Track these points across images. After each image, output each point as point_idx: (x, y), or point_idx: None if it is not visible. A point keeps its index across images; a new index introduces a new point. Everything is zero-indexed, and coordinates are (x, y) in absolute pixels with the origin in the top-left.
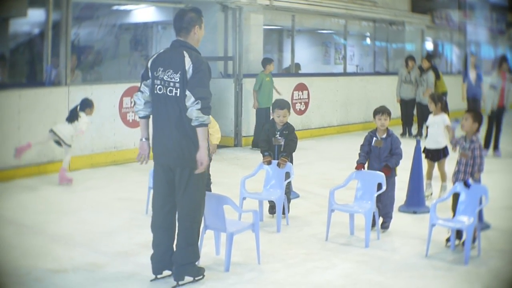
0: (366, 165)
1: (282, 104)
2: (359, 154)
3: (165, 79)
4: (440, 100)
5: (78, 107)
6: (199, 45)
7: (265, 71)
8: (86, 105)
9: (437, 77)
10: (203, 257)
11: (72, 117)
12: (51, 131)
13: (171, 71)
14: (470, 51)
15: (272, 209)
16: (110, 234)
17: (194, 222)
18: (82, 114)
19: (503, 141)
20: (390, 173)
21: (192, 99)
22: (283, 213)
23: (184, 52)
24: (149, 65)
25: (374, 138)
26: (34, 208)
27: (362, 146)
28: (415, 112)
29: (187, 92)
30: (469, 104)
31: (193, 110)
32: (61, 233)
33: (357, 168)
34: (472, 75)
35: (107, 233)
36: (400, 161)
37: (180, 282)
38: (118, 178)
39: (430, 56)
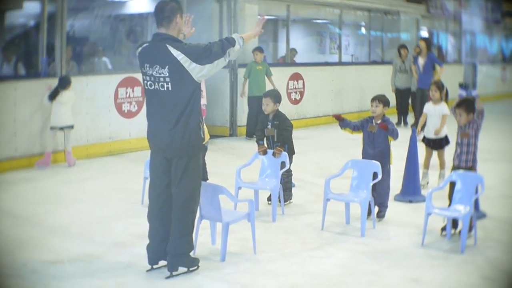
0: (359, 152)
1: (266, 93)
2: None
3: (154, 74)
4: (443, 88)
5: (58, 87)
6: (196, 36)
7: (255, 59)
8: (66, 83)
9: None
10: (199, 247)
11: (53, 95)
12: (54, 127)
13: (158, 66)
14: (419, 35)
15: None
16: (106, 224)
17: (188, 212)
18: (62, 92)
19: (502, 129)
20: (387, 128)
21: (222, 59)
22: (284, 201)
23: (168, 46)
24: (137, 58)
25: (370, 123)
26: (30, 199)
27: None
28: (410, 101)
29: (212, 64)
30: (417, 94)
31: (232, 56)
32: (57, 224)
33: (335, 115)
34: (420, 61)
35: (103, 223)
36: (398, 136)
37: (174, 273)
38: (114, 168)
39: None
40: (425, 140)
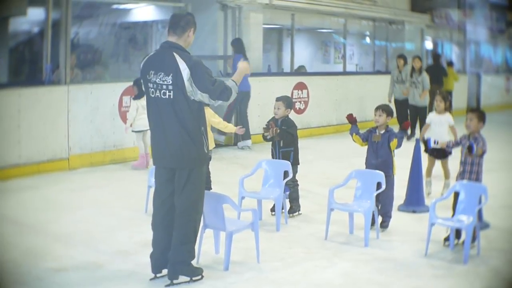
0: (364, 162)
1: (278, 97)
2: None
3: (157, 82)
4: (448, 99)
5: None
6: (200, 44)
7: None
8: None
9: (444, 74)
10: (203, 256)
11: (140, 96)
12: (141, 131)
13: (162, 73)
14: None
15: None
16: (110, 233)
17: (190, 220)
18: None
19: (505, 140)
20: (408, 126)
21: (212, 101)
22: (290, 212)
23: (175, 54)
24: (141, 68)
25: (373, 133)
26: (34, 207)
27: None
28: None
29: (204, 94)
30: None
31: (218, 103)
32: (61, 232)
33: (348, 115)
34: None
35: (107, 232)
36: (402, 143)
37: (175, 281)
38: (118, 177)
39: (437, 56)
40: (429, 150)
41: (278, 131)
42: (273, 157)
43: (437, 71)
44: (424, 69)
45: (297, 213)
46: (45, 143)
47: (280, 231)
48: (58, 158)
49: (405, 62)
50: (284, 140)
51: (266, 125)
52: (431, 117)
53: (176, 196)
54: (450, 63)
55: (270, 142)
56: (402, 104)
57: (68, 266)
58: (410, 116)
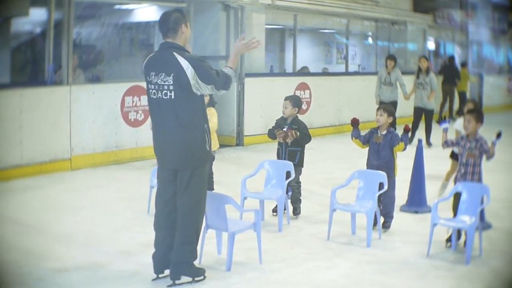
0: (365, 163)
1: (287, 96)
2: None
3: (158, 83)
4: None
5: None
6: (203, 44)
7: None
8: None
9: (458, 77)
10: (205, 256)
11: None
12: None
13: (164, 74)
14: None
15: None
16: (112, 233)
17: (192, 221)
18: None
19: (507, 140)
20: (409, 129)
21: (217, 91)
22: (295, 213)
23: (175, 54)
24: (143, 70)
25: (375, 134)
26: (36, 207)
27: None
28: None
29: (209, 86)
30: None
31: (222, 93)
32: (63, 233)
33: (353, 119)
34: None
35: (109, 232)
36: (407, 146)
37: (177, 281)
38: (120, 177)
39: (452, 57)
40: (454, 155)
41: (298, 134)
42: (279, 156)
43: (452, 72)
44: (438, 70)
45: (296, 217)
46: (47, 144)
47: (282, 231)
48: (60, 158)
49: (395, 64)
50: (298, 141)
51: (278, 124)
52: (461, 123)
53: (178, 197)
54: (463, 64)
55: (277, 141)
56: None
57: (70, 266)
58: (414, 118)
